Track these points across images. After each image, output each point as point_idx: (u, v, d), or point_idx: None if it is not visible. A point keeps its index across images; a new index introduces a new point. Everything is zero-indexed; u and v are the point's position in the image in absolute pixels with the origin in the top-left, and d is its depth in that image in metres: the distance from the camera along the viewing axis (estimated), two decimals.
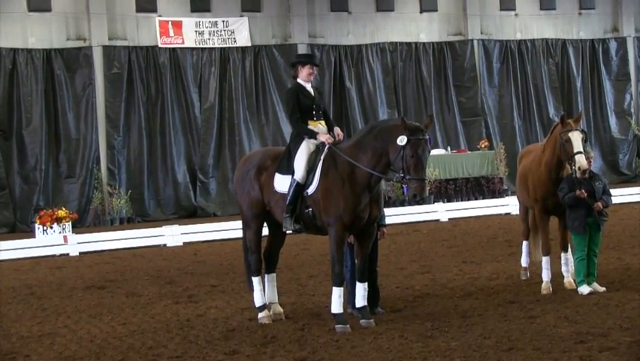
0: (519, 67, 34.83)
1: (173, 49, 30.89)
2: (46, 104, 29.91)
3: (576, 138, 11.87)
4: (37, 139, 29.68)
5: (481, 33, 34.48)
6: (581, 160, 11.69)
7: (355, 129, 29.97)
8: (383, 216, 11.76)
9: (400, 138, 10.31)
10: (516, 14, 35.18)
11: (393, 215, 24.42)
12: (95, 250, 22.45)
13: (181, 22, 30.99)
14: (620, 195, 26.32)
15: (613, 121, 35.76)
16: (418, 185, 10.32)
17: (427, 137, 10.47)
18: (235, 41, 31.46)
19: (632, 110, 36.00)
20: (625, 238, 17.76)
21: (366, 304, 11.00)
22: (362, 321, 10.84)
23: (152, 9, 30.97)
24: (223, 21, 31.37)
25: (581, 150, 11.82)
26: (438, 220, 25.25)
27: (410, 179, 10.31)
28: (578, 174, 11.74)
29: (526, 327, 10.20)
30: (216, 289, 14.79)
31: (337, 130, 11.43)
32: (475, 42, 34.22)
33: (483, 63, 34.30)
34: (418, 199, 10.55)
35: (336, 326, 10.67)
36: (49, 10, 30.19)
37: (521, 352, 9.07)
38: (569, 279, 12.62)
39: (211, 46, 31.15)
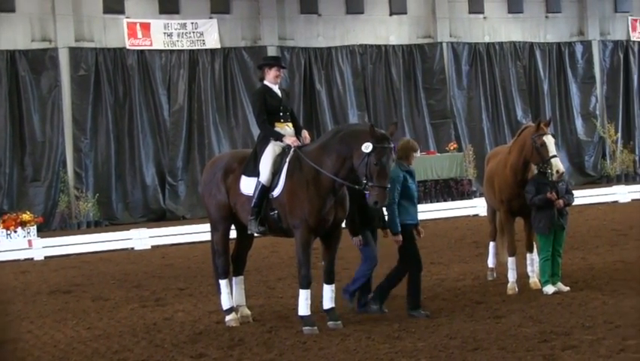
0: (487, 69, 35.04)
1: (142, 51, 30.78)
2: (11, 107, 29.64)
3: (551, 141, 12.12)
4: (2, 142, 29.41)
5: (450, 36, 34.66)
6: (557, 164, 11.94)
7: (325, 131, 29.97)
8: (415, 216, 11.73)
9: (366, 145, 10.35)
10: (484, 17, 35.40)
11: None
12: (61, 254, 22.31)
13: (149, 23, 30.89)
14: (586, 196, 26.58)
15: (579, 123, 36.08)
16: (380, 192, 10.37)
17: (392, 145, 10.55)
18: (204, 43, 31.40)
19: (598, 113, 36.33)
20: (589, 239, 17.95)
21: (333, 305, 11.03)
22: (330, 323, 10.87)
23: (120, 10, 30.83)
24: (192, 23, 31.29)
25: (556, 153, 12.05)
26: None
27: (372, 186, 10.37)
28: (555, 177, 11.94)
29: (492, 327, 10.29)
30: (184, 292, 14.77)
31: (304, 133, 11.49)
32: (444, 45, 34.39)
33: (452, 66, 34.47)
34: (379, 206, 10.66)
35: (304, 328, 10.70)
36: (13, 10, 29.96)
37: (486, 352, 9.15)
38: (534, 279, 12.75)
39: (180, 48, 31.07)
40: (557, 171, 11.93)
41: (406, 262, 11.50)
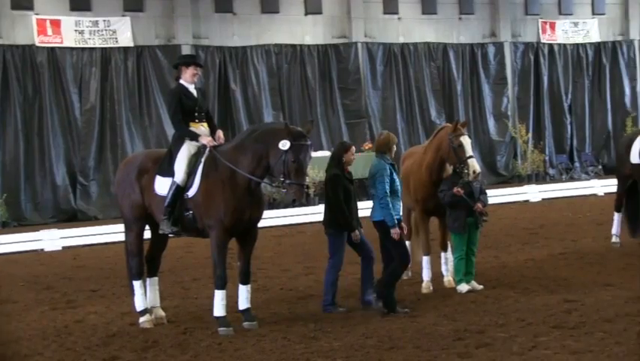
0: (402, 70, 35.28)
1: (52, 48, 30.15)
2: None
3: (467, 142, 12.32)
4: None
5: (365, 36, 34.81)
6: (474, 164, 12.14)
7: (240, 131, 29.82)
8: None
9: (283, 142, 10.37)
10: (399, 18, 35.66)
11: (277, 217, 24.48)
12: None
13: (60, 20, 30.28)
14: (498, 195, 27.01)
15: (491, 123, 36.59)
16: (298, 190, 10.40)
17: (309, 142, 10.57)
18: (117, 41, 30.94)
19: (509, 113, 36.90)
20: (502, 238, 18.26)
21: (249, 306, 11.02)
22: (245, 324, 10.87)
23: (29, 7, 30.14)
24: (104, 20, 30.82)
25: (472, 154, 12.23)
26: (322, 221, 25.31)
27: (290, 183, 10.37)
28: (471, 178, 12.12)
29: (407, 326, 10.41)
30: (96, 294, 14.57)
31: (219, 133, 11.45)
32: (360, 45, 34.53)
33: (367, 66, 34.63)
34: (297, 204, 10.67)
35: (219, 328, 10.67)
36: None
37: (402, 350, 9.25)
38: (448, 278, 12.93)
39: (92, 46, 30.53)
40: (474, 172, 12.12)
41: (399, 258, 11.44)
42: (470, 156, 12.22)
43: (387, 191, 11.30)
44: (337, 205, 11.63)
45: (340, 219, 11.67)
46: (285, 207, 27.06)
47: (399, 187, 11.61)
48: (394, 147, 11.73)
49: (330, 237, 11.87)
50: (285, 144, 10.37)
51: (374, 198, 11.58)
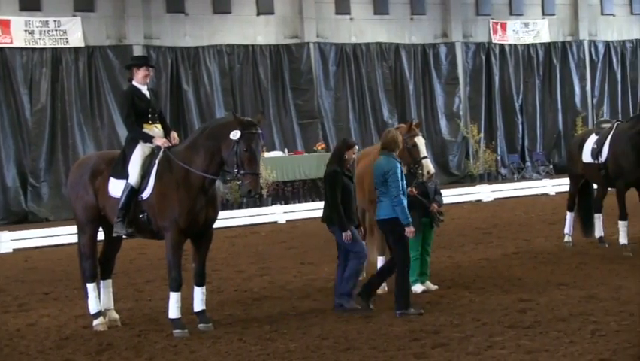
0: (354, 70, 35.36)
1: (1, 49, 29.74)
2: None
3: (422, 142, 12.37)
4: None
5: (317, 36, 34.82)
6: (428, 164, 12.19)
7: (192, 132, 29.66)
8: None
9: (234, 132, 10.37)
10: (351, 18, 35.72)
11: (231, 217, 24.41)
12: None
13: (9, 20, 29.88)
14: (450, 195, 27.15)
15: (443, 123, 36.79)
16: (253, 180, 10.37)
17: (260, 131, 10.56)
18: (67, 42, 30.62)
19: (461, 113, 37.15)
20: (455, 237, 18.37)
21: (204, 308, 10.95)
22: (200, 326, 10.81)
23: None
24: (54, 21, 30.48)
25: (427, 154, 12.27)
26: (276, 222, 25.37)
27: (244, 174, 10.35)
28: (425, 178, 12.16)
29: (363, 327, 10.41)
30: (49, 296, 14.39)
31: (173, 134, 11.39)
32: (312, 45, 34.53)
33: (319, 66, 34.65)
34: (254, 195, 10.60)
35: (174, 331, 10.61)
36: None
37: (358, 351, 9.25)
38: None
39: (42, 46, 30.18)
40: (428, 172, 12.18)
41: (399, 258, 11.22)
42: (424, 157, 12.28)
43: (401, 190, 11.09)
44: (333, 202, 11.46)
45: (334, 217, 11.49)
46: (239, 207, 27.03)
47: (405, 186, 11.45)
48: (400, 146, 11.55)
49: (338, 232, 11.62)
50: (235, 134, 10.36)
51: (381, 196, 11.25)
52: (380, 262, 12.90)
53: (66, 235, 21.18)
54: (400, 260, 11.17)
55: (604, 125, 15.81)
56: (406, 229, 11.04)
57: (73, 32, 30.69)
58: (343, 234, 11.44)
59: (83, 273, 11.61)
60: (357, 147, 12.03)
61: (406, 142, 12.25)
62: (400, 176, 11.10)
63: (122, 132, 28.72)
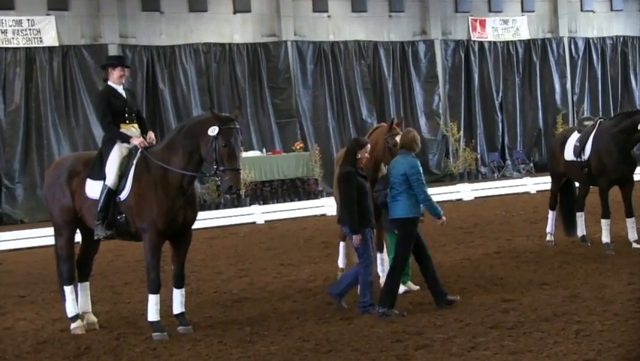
0: (332, 68, 35.33)
1: None
2: None
3: None
4: None
5: (295, 34, 34.79)
6: None
7: (169, 132, 29.52)
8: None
9: (211, 128, 10.35)
10: (329, 16, 35.70)
11: (209, 218, 24.36)
12: None
13: None
14: (431, 194, 27.00)
15: (423, 122, 36.79)
16: (233, 175, 10.34)
17: (238, 126, 10.53)
18: (42, 41, 30.44)
19: (441, 111, 37.20)
20: (436, 237, 18.31)
21: (183, 310, 10.92)
22: (180, 328, 10.78)
23: None
24: (28, 20, 30.29)
25: None
26: (254, 223, 25.32)
27: (224, 170, 10.31)
28: None
29: (345, 328, 10.41)
30: (25, 299, 14.31)
31: (150, 134, 11.35)
32: (289, 43, 34.48)
33: (297, 64, 34.59)
34: (235, 191, 10.53)
35: (154, 333, 10.57)
36: None
37: (340, 353, 9.25)
38: (384, 279, 12.91)
39: (15, 45, 29.98)
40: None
41: (400, 258, 11.32)
42: None
43: (425, 186, 11.32)
44: (349, 203, 11.26)
45: (347, 218, 11.33)
46: (217, 208, 26.97)
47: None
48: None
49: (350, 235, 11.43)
50: (213, 130, 10.34)
51: (398, 196, 11.29)
52: None
53: (42, 237, 21.07)
54: (401, 260, 11.25)
55: (586, 123, 15.85)
56: (442, 218, 11.35)
57: (47, 31, 30.51)
58: (354, 236, 11.26)
59: (60, 275, 11.56)
60: (369, 145, 11.89)
61: (386, 141, 12.26)
62: (420, 173, 11.26)
63: (98, 133, 28.60)
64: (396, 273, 11.22)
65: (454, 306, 11.17)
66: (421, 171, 11.31)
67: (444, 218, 11.38)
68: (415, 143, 11.46)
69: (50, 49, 30.51)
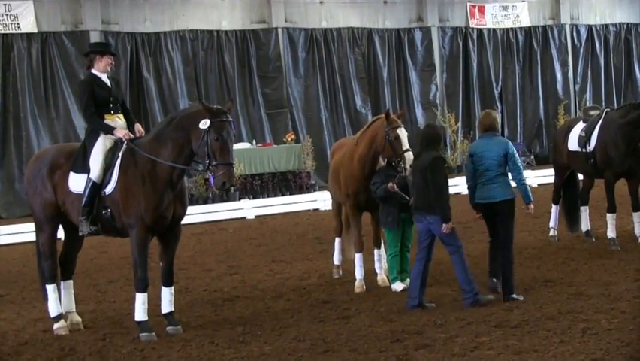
0: (325, 57, 35.24)
1: None
2: None
3: (404, 135, 12.35)
4: None
5: (286, 21, 34.70)
6: (411, 158, 12.14)
7: (154, 123, 29.40)
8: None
9: (203, 121, 10.32)
10: (321, 2, 35.62)
11: (197, 213, 24.33)
12: None
13: None
14: None
15: (419, 113, 36.75)
16: (226, 171, 10.31)
17: (231, 119, 10.50)
18: (19, 27, 30.30)
19: (438, 102, 37.17)
20: None
21: (172, 309, 10.90)
22: (169, 328, 10.76)
23: None
24: (5, 4, 30.15)
25: (409, 147, 12.24)
26: (244, 218, 25.32)
27: (217, 165, 10.28)
28: (408, 172, 12.11)
29: (342, 328, 10.41)
30: (4, 299, 14.29)
31: (138, 126, 11.34)
32: (280, 30, 34.41)
33: (288, 53, 34.51)
34: (228, 187, 10.50)
35: (141, 334, 10.55)
36: None
37: (337, 354, 9.25)
38: (382, 276, 12.96)
39: None
40: (411, 166, 12.15)
41: (510, 235, 11.72)
42: (407, 150, 12.24)
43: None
44: (440, 190, 11.18)
45: (439, 205, 11.16)
46: (204, 202, 26.94)
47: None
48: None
49: (436, 223, 11.30)
50: (205, 123, 10.32)
51: (496, 178, 11.51)
52: (357, 259, 12.85)
53: (21, 233, 21.00)
54: (511, 237, 11.66)
55: (592, 113, 15.83)
56: (531, 204, 11.68)
57: (25, 17, 30.36)
58: (445, 225, 11.18)
59: (41, 274, 11.54)
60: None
61: (387, 134, 12.23)
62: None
63: (79, 124, 28.58)
64: (511, 248, 11.64)
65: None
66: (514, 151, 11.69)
67: (532, 206, 11.69)
68: (496, 121, 11.74)
69: (29, 35, 30.35)
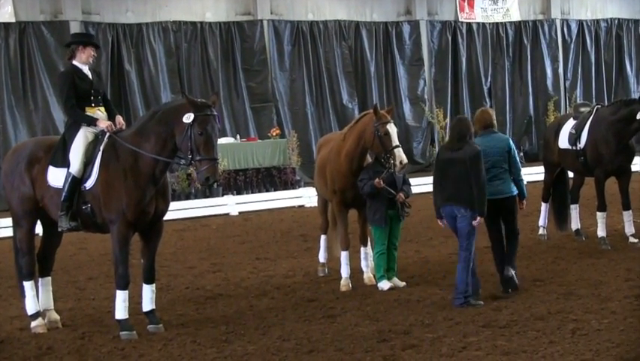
0: (311, 50, 35.19)
1: None
2: None
3: (394, 130, 12.37)
4: None
5: (271, 13, 34.63)
6: (401, 154, 12.17)
7: (135, 116, 29.37)
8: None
9: (187, 115, 10.30)
10: None
11: (179, 209, 24.26)
12: None
13: None
14: (415, 185, 27.06)
15: (407, 108, 36.76)
16: (211, 166, 10.29)
17: (216, 113, 10.48)
18: None
19: (426, 97, 37.18)
20: (422, 230, 18.40)
21: (154, 307, 10.89)
22: (150, 327, 10.76)
23: None
24: None
25: (398, 143, 12.25)
26: (228, 214, 25.28)
27: (201, 160, 10.26)
28: (398, 169, 12.13)
29: (327, 327, 10.41)
30: None
31: (119, 118, 11.28)
32: (265, 23, 34.32)
33: (273, 45, 34.44)
34: (212, 182, 10.48)
35: (121, 333, 10.53)
36: None
37: (323, 354, 9.25)
38: (368, 274, 12.97)
39: None
40: (401, 162, 12.17)
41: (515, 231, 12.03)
42: (397, 146, 12.26)
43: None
44: (482, 184, 11.15)
45: (479, 199, 11.12)
46: (187, 198, 26.89)
47: None
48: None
49: (468, 217, 11.25)
50: (189, 117, 10.30)
51: (502, 174, 11.67)
52: (344, 257, 12.85)
53: None
54: (517, 232, 11.98)
55: (582, 109, 15.88)
56: (524, 202, 11.95)
57: (2, 6, 30.18)
58: (478, 218, 11.20)
59: (19, 270, 11.50)
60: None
61: (376, 130, 12.24)
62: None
63: (58, 116, 28.49)
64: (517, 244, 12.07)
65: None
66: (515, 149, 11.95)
67: (525, 202, 12.00)
68: (492, 118, 12.02)
69: (6, 25, 30.17)
